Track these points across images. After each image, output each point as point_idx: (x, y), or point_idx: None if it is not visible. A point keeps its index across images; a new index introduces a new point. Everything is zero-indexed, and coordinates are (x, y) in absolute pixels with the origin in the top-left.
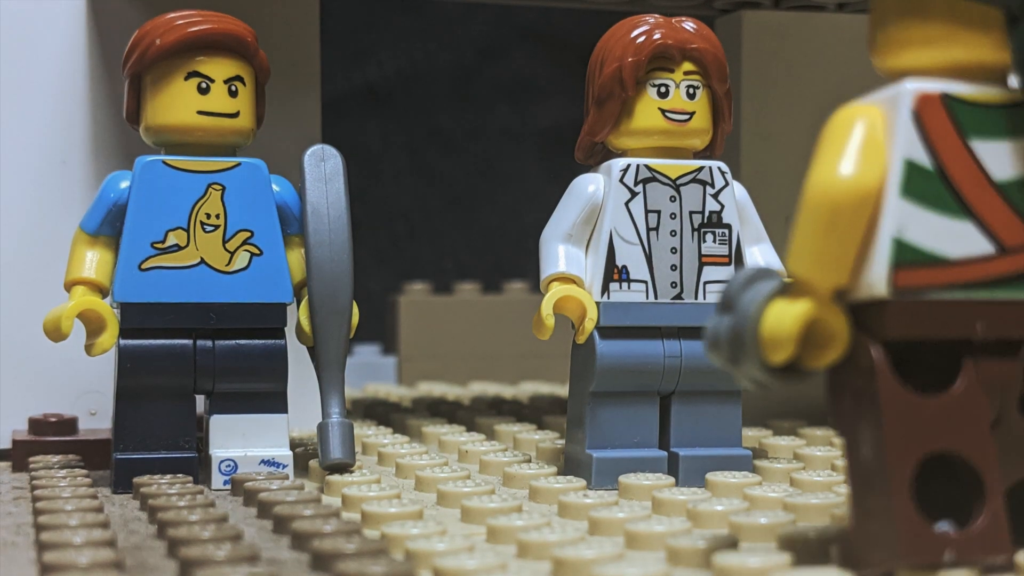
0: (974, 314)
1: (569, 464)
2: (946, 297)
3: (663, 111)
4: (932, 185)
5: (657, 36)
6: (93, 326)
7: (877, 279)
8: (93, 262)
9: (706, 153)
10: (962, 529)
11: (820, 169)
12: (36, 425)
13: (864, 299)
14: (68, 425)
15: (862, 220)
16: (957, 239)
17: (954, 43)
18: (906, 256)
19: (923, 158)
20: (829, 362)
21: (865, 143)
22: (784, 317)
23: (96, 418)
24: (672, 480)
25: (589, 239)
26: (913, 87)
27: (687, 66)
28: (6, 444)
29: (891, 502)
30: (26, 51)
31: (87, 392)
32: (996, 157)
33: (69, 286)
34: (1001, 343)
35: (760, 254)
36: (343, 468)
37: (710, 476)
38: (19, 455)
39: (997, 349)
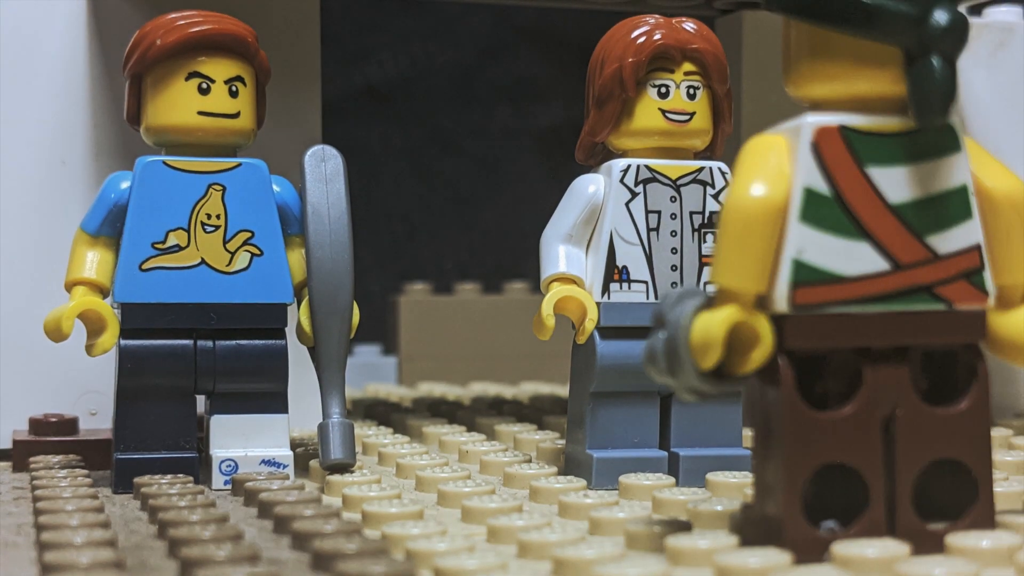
0: (870, 326)
1: (569, 464)
2: (844, 311)
3: (663, 111)
4: (830, 210)
5: (657, 36)
6: (94, 326)
7: (780, 296)
8: (93, 262)
9: (707, 154)
10: (844, 529)
11: (734, 190)
12: (37, 425)
13: (773, 314)
14: (69, 425)
15: (771, 233)
16: (854, 258)
17: (855, 78)
18: (804, 276)
19: (821, 186)
20: (756, 365)
21: (772, 168)
22: (711, 323)
23: (96, 418)
24: (672, 480)
25: (589, 240)
26: (813, 120)
27: (687, 66)
28: (7, 444)
29: (782, 504)
30: (26, 51)
31: (87, 392)
32: (891, 182)
33: (70, 286)
34: (897, 349)
35: None
36: (344, 468)
37: (710, 476)
38: (20, 455)
39: (894, 354)
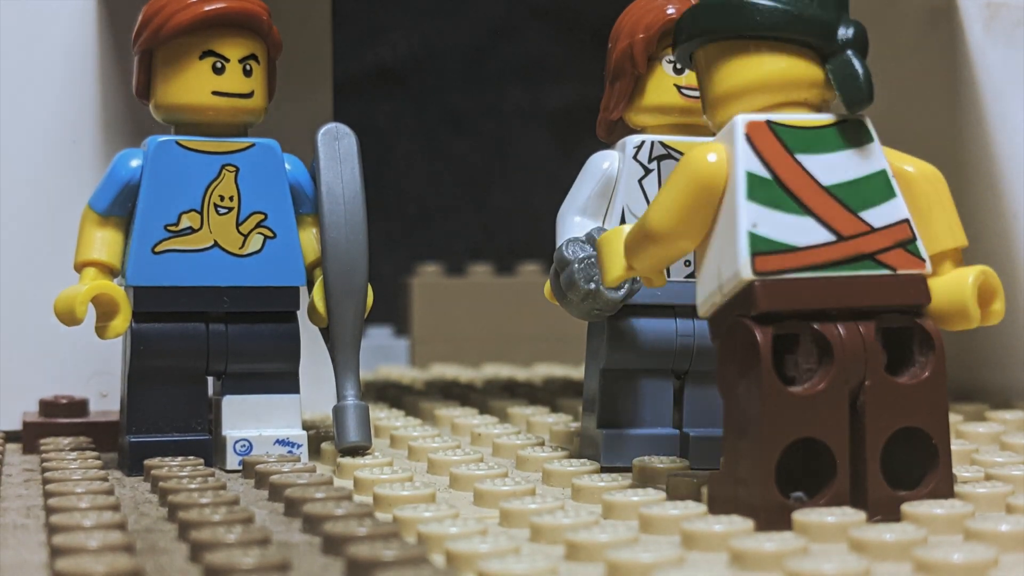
0: (828, 290)
1: (583, 443)
2: (801, 276)
3: (679, 88)
4: (772, 191)
5: (671, 11)
6: (106, 309)
7: (743, 265)
8: (104, 243)
9: None
10: (811, 498)
11: (651, 208)
12: (47, 407)
13: (736, 289)
14: (79, 407)
15: (711, 201)
16: (802, 231)
17: (771, 91)
18: (760, 246)
19: (760, 170)
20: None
21: (686, 192)
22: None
23: (107, 400)
24: (687, 463)
25: (605, 215)
26: (742, 118)
27: None
28: (17, 426)
29: (757, 479)
30: (35, 30)
31: (98, 374)
32: (820, 167)
33: (79, 267)
34: (854, 312)
35: None
36: (360, 451)
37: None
38: (30, 437)
39: (852, 318)
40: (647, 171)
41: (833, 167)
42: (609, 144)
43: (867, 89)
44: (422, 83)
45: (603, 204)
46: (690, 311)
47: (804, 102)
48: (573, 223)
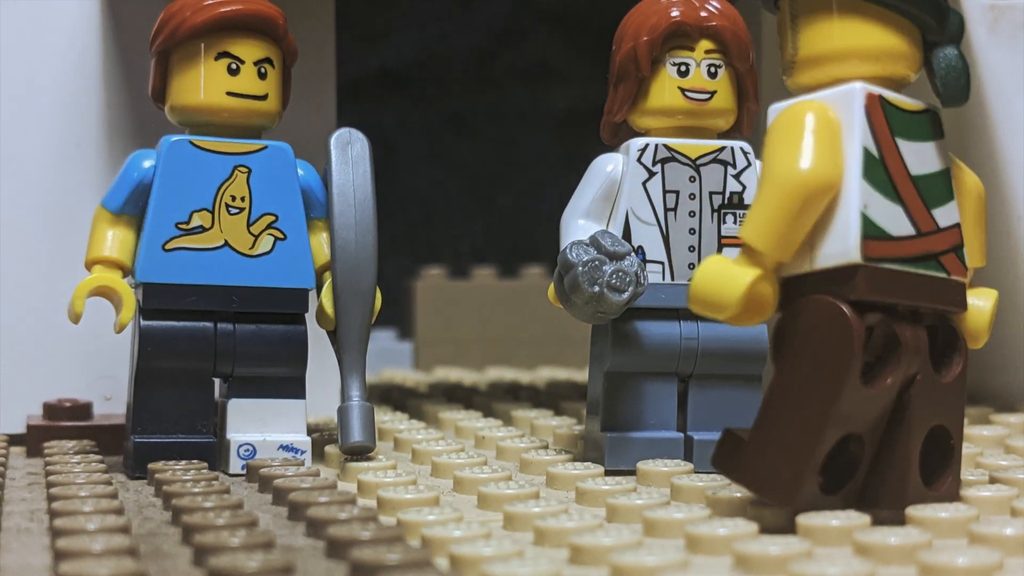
0: (909, 285)
1: (587, 446)
2: (893, 268)
3: (683, 90)
4: (878, 172)
5: (675, 14)
6: (110, 302)
7: (852, 247)
8: (115, 241)
9: (733, 133)
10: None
11: (788, 160)
12: (51, 410)
13: (831, 266)
14: (83, 410)
15: (820, 208)
16: (894, 220)
17: (874, 60)
18: (869, 230)
19: (873, 148)
20: (750, 324)
21: (821, 137)
22: (732, 280)
23: (111, 403)
24: (691, 467)
25: (609, 217)
26: (862, 87)
27: (707, 44)
28: (21, 429)
29: (799, 457)
30: (40, 34)
31: (102, 377)
32: (911, 154)
33: (90, 265)
34: (912, 311)
35: None
36: (363, 451)
37: None
38: (34, 440)
39: (911, 316)
40: (651, 174)
41: (920, 157)
42: (613, 147)
43: (968, 88)
44: (426, 86)
45: (607, 207)
46: (694, 314)
47: (892, 79)
48: (577, 226)
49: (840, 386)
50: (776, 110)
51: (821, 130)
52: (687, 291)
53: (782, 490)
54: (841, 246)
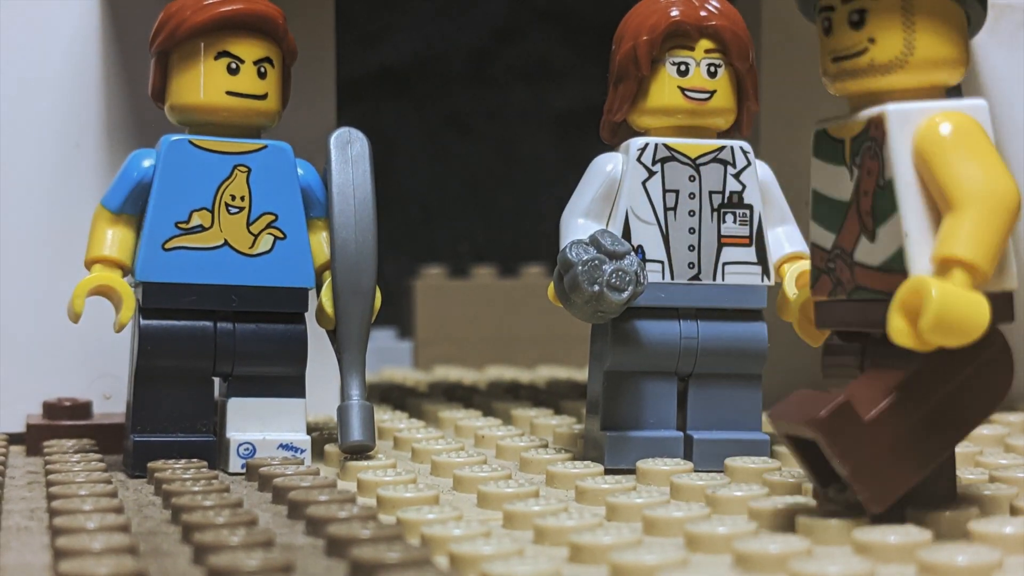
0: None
1: (587, 444)
2: None
3: (682, 90)
4: None
5: (674, 14)
6: (110, 301)
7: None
8: (114, 240)
9: (733, 133)
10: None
11: (993, 175)
12: (50, 409)
13: (1000, 290)
14: (82, 409)
15: None
16: None
17: (965, 64)
18: None
19: None
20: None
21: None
22: (975, 304)
23: (111, 402)
24: (690, 466)
25: (609, 217)
26: (984, 103)
27: (706, 44)
28: (20, 428)
29: (913, 482)
30: (39, 34)
31: (102, 376)
32: None
33: (89, 264)
34: None
35: (785, 235)
36: (363, 450)
37: (729, 462)
38: (33, 439)
39: None
40: (651, 173)
41: None
42: (613, 146)
43: None
44: (426, 85)
45: (607, 206)
46: (693, 313)
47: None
48: (577, 225)
49: (983, 420)
50: (923, 115)
51: (989, 142)
52: (926, 321)
53: (880, 496)
54: (1013, 268)
